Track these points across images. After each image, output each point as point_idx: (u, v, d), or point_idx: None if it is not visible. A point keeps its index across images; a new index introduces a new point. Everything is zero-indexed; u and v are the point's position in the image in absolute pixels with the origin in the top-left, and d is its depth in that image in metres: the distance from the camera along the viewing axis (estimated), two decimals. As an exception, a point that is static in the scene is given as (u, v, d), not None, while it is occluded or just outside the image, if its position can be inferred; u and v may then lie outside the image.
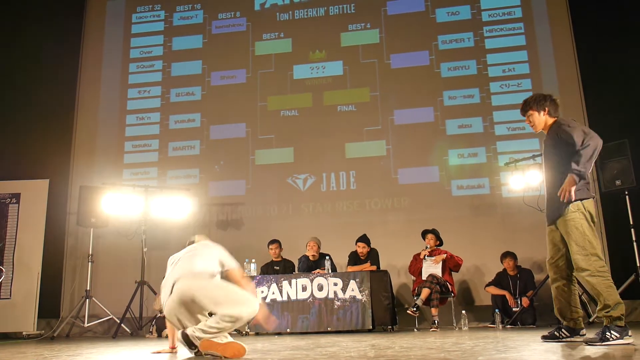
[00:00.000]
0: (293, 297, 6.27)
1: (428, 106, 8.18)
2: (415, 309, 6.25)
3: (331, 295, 6.19)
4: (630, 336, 3.33)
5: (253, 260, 6.70)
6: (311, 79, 8.58)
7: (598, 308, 3.43)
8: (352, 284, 6.17)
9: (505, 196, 7.61)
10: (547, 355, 2.81)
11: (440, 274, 6.55)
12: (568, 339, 3.64)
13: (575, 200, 3.50)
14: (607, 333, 3.28)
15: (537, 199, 6.50)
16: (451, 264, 6.65)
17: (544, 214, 3.83)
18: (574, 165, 3.45)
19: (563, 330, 3.67)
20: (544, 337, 3.73)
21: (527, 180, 6.72)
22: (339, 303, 6.14)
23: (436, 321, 6.23)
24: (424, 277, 6.56)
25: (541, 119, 3.80)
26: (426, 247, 6.77)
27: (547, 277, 6.17)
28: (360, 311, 6.05)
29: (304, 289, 6.27)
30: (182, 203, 7.59)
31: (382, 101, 8.32)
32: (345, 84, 8.49)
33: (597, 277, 3.39)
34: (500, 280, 6.74)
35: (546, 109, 3.77)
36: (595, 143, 3.45)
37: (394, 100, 8.28)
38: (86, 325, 7.39)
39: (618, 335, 3.27)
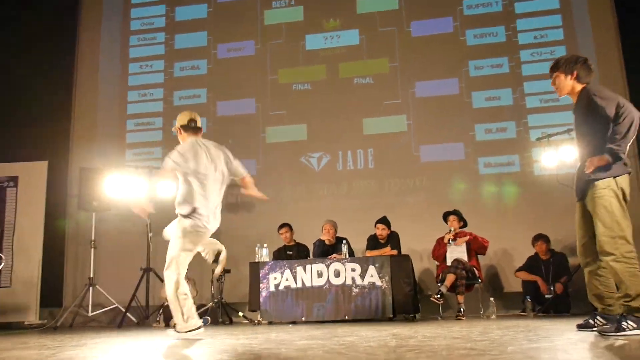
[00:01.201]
0: (308, 284, 6.30)
1: (452, 77, 8.08)
2: (439, 295, 6.25)
3: (349, 282, 6.21)
4: None
5: (265, 245, 6.73)
6: (325, 50, 8.51)
7: (618, 295, 3.39)
8: (371, 270, 6.18)
9: (537, 174, 7.53)
10: (581, 345, 2.80)
11: (466, 259, 6.53)
12: (604, 327, 3.61)
13: (606, 177, 3.42)
14: (624, 323, 3.24)
15: (572, 177, 6.42)
16: (475, 246, 6.63)
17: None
18: (608, 144, 3.37)
19: (598, 318, 3.63)
20: (579, 326, 3.71)
21: (560, 156, 6.64)
22: (357, 290, 6.17)
23: (462, 309, 6.24)
24: (448, 263, 6.56)
25: (567, 83, 3.67)
26: (450, 230, 6.75)
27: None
28: (380, 298, 6.07)
29: (320, 275, 6.30)
30: (188, 185, 7.61)
31: (402, 73, 8.23)
32: (361, 54, 8.41)
33: (622, 263, 3.33)
34: (531, 265, 6.71)
35: (575, 72, 3.64)
36: (631, 117, 3.35)
37: (415, 71, 8.19)
38: (90, 314, 7.51)
39: (635, 326, 3.22)
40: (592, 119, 3.52)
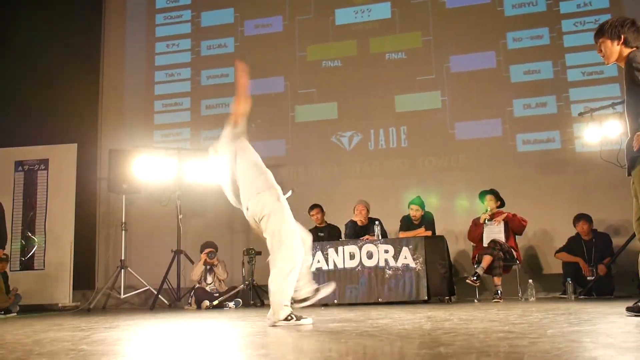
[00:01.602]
0: (340, 266, 6.34)
1: (489, 50, 7.93)
2: (475, 278, 6.22)
3: (382, 264, 6.22)
4: None
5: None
6: (355, 25, 8.44)
7: None
8: (405, 251, 6.18)
9: (579, 151, 7.38)
10: (626, 328, 2.76)
11: (503, 239, 6.47)
12: None
13: None
14: None
15: (617, 154, 6.27)
16: (514, 225, 6.55)
17: (624, 169, 3.64)
18: None
19: None
20: (629, 309, 3.62)
21: (604, 132, 6.48)
22: (390, 272, 6.18)
23: (499, 291, 6.19)
24: (485, 243, 6.51)
25: (614, 49, 3.45)
26: (486, 210, 6.68)
27: (627, 242, 6.08)
28: (414, 281, 6.08)
29: (352, 257, 6.33)
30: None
31: (435, 47, 8.11)
32: (394, 28, 8.31)
33: None
34: (572, 245, 6.61)
35: (622, 36, 3.40)
36: None
37: (450, 45, 8.06)
38: (122, 296, 7.72)
39: None
40: (635, 90, 3.36)
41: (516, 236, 6.66)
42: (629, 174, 3.52)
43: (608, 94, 7.21)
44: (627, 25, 3.42)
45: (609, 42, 3.46)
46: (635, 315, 3.45)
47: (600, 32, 3.51)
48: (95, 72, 9.11)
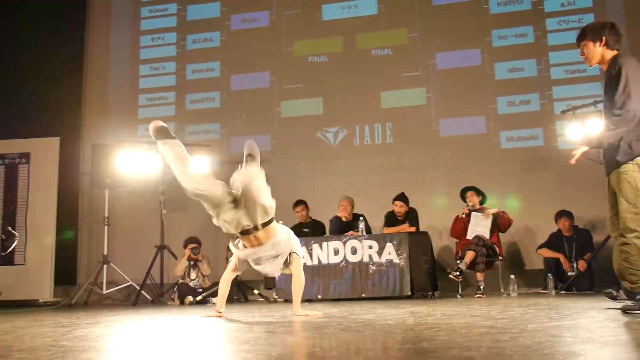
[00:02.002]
0: (324, 262, 6.35)
1: (474, 48, 7.97)
2: (458, 273, 6.27)
3: (366, 259, 6.24)
4: None
5: (280, 222, 6.76)
6: (342, 20, 8.43)
7: None
8: (389, 247, 6.21)
9: (561, 148, 7.44)
10: (605, 323, 2.80)
11: (488, 235, 6.52)
12: (627, 305, 3.60)
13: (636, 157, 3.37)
14: None
15: (599, 152, 6.34)
16: (502, 222, 6.61)
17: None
18: (602, 129, 3.38)
19: (622, 291, 3.63)
20: (605, 293, 3.71)
21: (587, 129, 6.55)
22: (374, 267, 6.20)
23: (482, 287, 6.25)
24: (469, 237, 6.55)
25: (596, 50, 3.57)
26: (467, 205, 6.72)
27: (607, 238, 6.16)
28: (397, 276, 6.11)
29: (336, 252, 6.34)
30: (202, 161, 7.66)
31: (421, 43, 8.14)
32: (380, 24, 8.32)
33: None
34: (554, 241, 6.68)
35: (603, 38, 3.53)
36: (622, 130, 3.31)
37: (435, 42, 8.09)
38: (105, 292, 7.66)
39: None
40: (611, 89, 3.44)
41: (500, 232, 6.72)
42: (609, 173, 3.59)
43: (590, 92, 7.28)
44: (607, 28, 3.56)
45: (591, 44, 3.59)
46: (612, 304, 3.52)
47: (583, 35, 3.64)
48: (79, 65, 9.00)
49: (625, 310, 3.29)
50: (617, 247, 3.61)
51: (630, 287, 3.51)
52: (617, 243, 3.61)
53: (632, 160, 3.37)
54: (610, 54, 3.56)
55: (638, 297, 3.34)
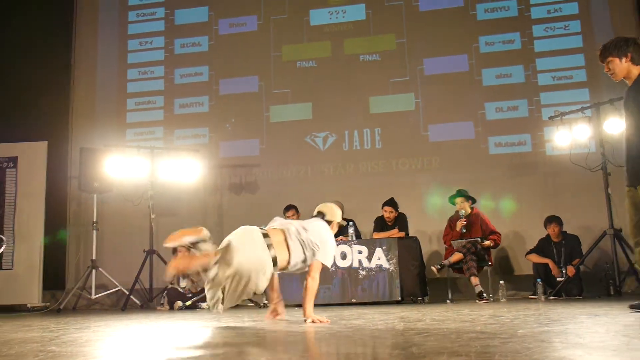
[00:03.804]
0: (314, 267, 6.33)
1: (462, 53, 8.02)
2: (439, 266, 6.31)
3: (355, 264, 6.25)
4: None
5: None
6: (330, 25, 8.46)
7: None
8: (379, 252, 6.22)
9: (549, 154, 7.51)
10: (594, 328, 2.82)
11: (479, 238, 6.54)
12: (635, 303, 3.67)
13: None
14: None
15: (586, 157, 6.43)
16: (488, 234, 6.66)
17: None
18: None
19: None
20: (632, 307, 3.75)
21: (574, 135, 6.61)
22: (364, 273, 6.21)
23: (483, 292, 6.20)
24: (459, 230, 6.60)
25: (623, 66, 3.72)
26: (461, 215, 6.69)
27: (595, 244, 6.21)
28: (387, 281, 6.12)
29: (326, 257, 6.32)
30: (190, 165, 7.65)
31: (409, 49, 8.18)
32: (368, 30, 8.35)
33: None
34: (542, 247, 6.72)
35: (629, 54, 3.69)
36: None
37: (423, 47, 8.13)
38: (93, 297, 7.60)
39: None
40: None
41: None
42: (633, 185, 3.66)
43: (577, 98, 7.36)
44: (631, 45, 3.71)
45: (617, 60, 3.73)
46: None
47: (607, 52, 3.77)
48: (67, 69, 8.95)
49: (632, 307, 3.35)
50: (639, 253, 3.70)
51: None
52: (639, 249, 3.69)
53: None
54: (636, 69, 3.71)
55: None
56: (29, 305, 7.55)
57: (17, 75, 8.68)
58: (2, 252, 7.65)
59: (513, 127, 7.73)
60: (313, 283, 3.88)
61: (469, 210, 6.75)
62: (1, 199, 7.87)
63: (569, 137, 6.65)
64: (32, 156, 7.97)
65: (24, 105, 8.53)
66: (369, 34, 8.34)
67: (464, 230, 6.62)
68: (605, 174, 6.24)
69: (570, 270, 6.38)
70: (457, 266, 6.52)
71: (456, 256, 6.39)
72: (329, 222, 4.16)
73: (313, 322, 3.67)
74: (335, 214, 4.25)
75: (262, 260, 3.65)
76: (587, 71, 7.56)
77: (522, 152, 7.67)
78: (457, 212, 6.79)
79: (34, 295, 7.60)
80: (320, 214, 4.21)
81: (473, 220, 6.70)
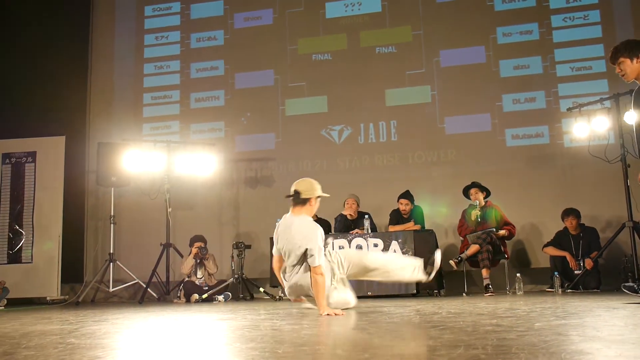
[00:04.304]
0: (329, 260, 6.34)
1: (479, 45, 7.95)
2: (457, 260, 6.29)
3: (371, 258, 6.23)
4: None
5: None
6: (345, 18, 8.43)
7: None
8: (394, 245, 6.21)
9: (567, 146, 7.43)
10: (611, 321, 2.79)
11: (494, 229, 6.51)
12: None
13: None
14: None
15: (605, 149, 6.35)
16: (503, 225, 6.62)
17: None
18: None
19: None
20: (625, 287, 3.82)
21: (593, 127, 6.53)
22: (379, 266, 6.19)
23: (490, 285, 6.21)
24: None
25: (634, 66, 3.82)
26: (475, 206, 6.67)
27: (614, 236, 6.14)
28: (403, 274, 6.09)
29: (342, 250, 6.33)
30: (206, 159, 7.69)
31: (425, 41, 8.12)
32: (384, 22, 8.31)
33: None
34: (560, 240, 6.66)
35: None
36: None
37: (440, 39, 8.07)
38: (111, 290, 7.70)
39: None
40: None
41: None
42: None
43: (596, 89, 7.27)
44: None
45: (628, 61, 3.84)
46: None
47: (619, 53, 3.89)
48: (84, 65, 9.03)
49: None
50: None
51: None
52: None
53: None
54: None
55: None
56: (48, 298, 7.66)
57: (35, 71, 8.78)
58: (21, 246, 7.77)
59: (530, 119, 7.65)
60: (319, 279, 3.91)
61: (482, 202, 6.71)
62: (20, 193, 7.98)
63: (588, 128, 6.57)
64: (51, 151, 8.06)
65: (42, 100, 8.62)
66: (384, 26, 8.30)
67: (479, 220, 6.59)
68: (624, 166, 6.15)
69: (589, 263, 6.33)
70: (474, 258, 6.48)
71: (473, 248, 6.37)
72: (307, 200, 4.16)
73: (329, 315, 3.69)
74: (313, 188, 4.22)
75: None
76: (606, 62, 7.44)
77: (539, 144, 7.59)
78: (470, 204, 6.76)
79: (53, 288, 7.71)
80: (297, 193, 4.18)
81: (487, 211, 6.66)
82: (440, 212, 7.49)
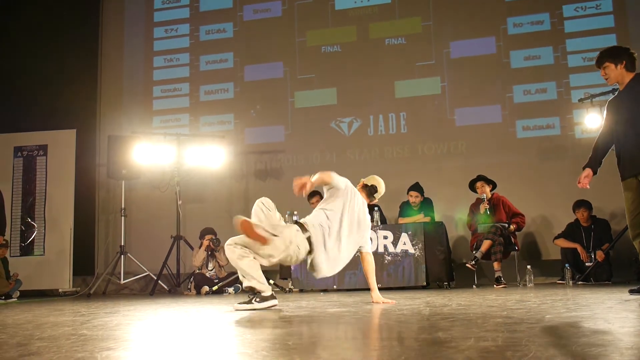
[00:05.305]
0: (339, 252, 6.34)
1: (489, 36, 7.89)
2: (474, 262, 6.25)
3: (381, 250, 6.24)
4: None
5: (295, 213, 6.79)
6: (355, 9, 8.39)
7: None
8: (404, 237, 6.20)
9: (578, 137, 7.37)
10: (623, 313, 2.78)
11: (504, 221, 6.47)
12: None
13: None
14: None
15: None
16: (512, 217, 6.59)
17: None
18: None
19: None
20: (632, 291, 3.81)
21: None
22: (389, 258, 6.20)
23: (501, 277, 6.20)
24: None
25: (617, 71, 3.99)
26: (483, 199, 6.64)
27: (625, 228, 6.09)
28: (413, 266, 6.10)
29: (351, 243, 6.33)
30: (216, 152, 7.71)
31: (435, 32, 8.07)
32: (393, 13, 8.26)
33: None
34: (571, 231, 6.63)
35: (624, 62, 3.96)
36: None
37: (450, 30, 8.02)
38: (122, 282, 7.76)
39: None
40: None
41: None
42: (632, 176, 4.01)
43: (608, 80, 7.18)
44: (626, 53, 4.02)
45: (612, 65, 4.01)
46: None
47: (604, 58, 4.06)
48: (94, 58, 9.07)
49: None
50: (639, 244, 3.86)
51: None
52: (638, 241, 3.86)
53: None
54: (628, 75, 4.00)
55: None
56: (60, 290, 7.74)
57: (45, 65, 8.82)
58: (33, 238, 7.85)
59: (541, 110, 7.59)
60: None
61: (489, 194, 6.67)
62: (32, 186, 8.06)
63: (599, 119, 6.51)
64: (62, 144, 8.12)
65: (53, 94, 8.67)
66: (394, 17, 8.25)
67: (488, 213, 6.56)
68: (637, 157, 6.09)
69: (600, 255, 6.29)
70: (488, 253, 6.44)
71: (486, 244, 6.32)
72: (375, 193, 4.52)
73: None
74: (378, 192, 4.64)
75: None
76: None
77: (550, 136, 7.54)
78: (477, 199, 6.73)
79: (64, 281, 7.79)
80: (373, 188, 4.56)
81: (495, 203, 6.63)
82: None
